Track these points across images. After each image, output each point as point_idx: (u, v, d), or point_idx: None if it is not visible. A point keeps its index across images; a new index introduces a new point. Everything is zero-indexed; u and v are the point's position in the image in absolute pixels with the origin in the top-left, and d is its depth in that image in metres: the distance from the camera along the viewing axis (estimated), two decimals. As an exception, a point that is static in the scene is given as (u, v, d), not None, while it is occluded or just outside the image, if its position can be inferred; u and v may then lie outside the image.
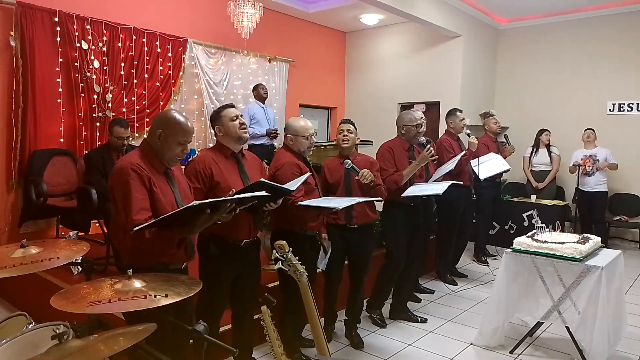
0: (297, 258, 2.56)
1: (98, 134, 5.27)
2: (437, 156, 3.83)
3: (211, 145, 6.29)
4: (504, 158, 5.48)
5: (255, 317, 2.91)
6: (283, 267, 2.54)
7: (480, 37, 7.54)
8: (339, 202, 2.95)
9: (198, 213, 1.99)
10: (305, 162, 3.10)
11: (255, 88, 6.33)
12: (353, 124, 3.43)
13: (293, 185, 2.67)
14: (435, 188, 3.65)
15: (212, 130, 2.75)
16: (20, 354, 1.75)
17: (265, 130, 5.98)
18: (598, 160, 6.21)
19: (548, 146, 6.50)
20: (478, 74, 7.61)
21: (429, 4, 6.46)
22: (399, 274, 3.96)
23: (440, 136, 5.28)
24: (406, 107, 7.88)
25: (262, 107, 6.23)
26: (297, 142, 3.05)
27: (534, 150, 6.58)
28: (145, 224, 1.93)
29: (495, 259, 5.77)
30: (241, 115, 2.72)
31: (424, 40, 7.68)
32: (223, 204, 2.06)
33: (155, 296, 1.59)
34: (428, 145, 3.63)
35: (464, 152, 4.76)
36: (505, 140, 6.01)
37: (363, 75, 8.52)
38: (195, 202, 1.91)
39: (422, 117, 4.31)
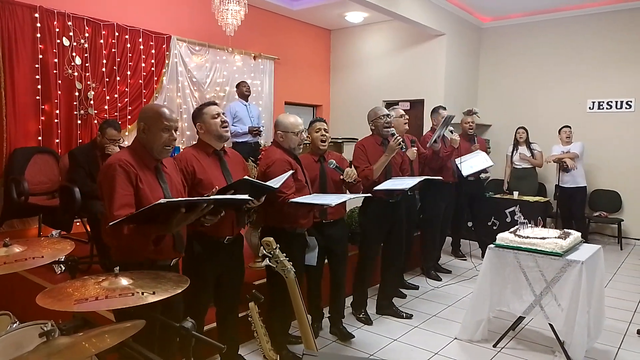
0: (285, 255, 2.57)
1: (79, 132, 5.20)
2: (404, 145, 3.82)
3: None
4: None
5: (242, 314, 2.92)
6: (270, 263, 2.54)
7: (463, 35, 7.62)
8: (331, 199, 2.96)
9: (174, 212, 1.99)
10: (295, 158, 3.11)
11: (237, 86, 6.33)
12: (326, 122, 3.46)
13: (276, 182, 2.67)
14: (407, 182, 3.64)
15: (195, 128, 2.74)
16: (5, 353, 1.73)
17: (247, 128, 5.97)
18: (578, 156, 6.33)
19: (529, 143, 6.60)
20: (461, 72, 7.68)
21: (413, 3, 6.50)
22: (385, 270, 4.00)
23: (424, 133, 5.32)
24: (391, 104, 7.92)
25: (245, 105, 6.21)
26: (287, 139, 3.06)
27: (515, 148, 6.67)
28: (118, 220, 1.93)
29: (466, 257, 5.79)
30: (223, 113, 2.72)
31: (408, 38, 7.72)
32: (199, 204, 2.05)
33: (142, 293, 1.58)
34: (397, 136, 3.64)
35: (449, 125, 4.79)
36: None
37: (348, 73, 8.54)
38: (163, 200, 1.92)
39: (403, 115, 4.36)
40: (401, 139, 3.62)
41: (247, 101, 6.27)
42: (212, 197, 2.18)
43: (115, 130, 4.02)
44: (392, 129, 3.81)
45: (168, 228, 2.05)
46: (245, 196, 2.33)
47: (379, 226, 3.79)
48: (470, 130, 5.62)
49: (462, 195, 5.49)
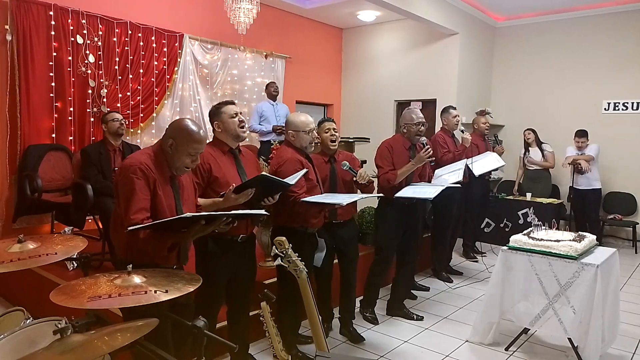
0: (297, 254, 2.56)
1: (92, 129, 5.23)
2: (434, 157, 3.83)
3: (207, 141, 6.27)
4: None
5: (253, 313, 2.92)
6: (282, 263, 2.53)
7: (476, 34, 7.55)
8: (343, 199, 2.95)
9: (193, 222, 2.02)
10: (307, 158, 3.10)
11: (266, 87, 6.48)
12: (334, 122, 3.44)
13: (292, 179, 2.68)
14: (428, 191, 3.61)
15: (211, 126, 2.74)
16: (19, 349, 1.74)
17: (272, 126, 6.04)
18: (593, 158, 6.24)
19: (540, 144, 6.53)
20: (474, 72, 7.62)
21: (426, 1, 6.45)
22: (398, 272, 3.98)
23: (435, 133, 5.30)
24: (402, 104, 7.90)
25: (272, 105, 6.33)
26: (298, 138, 3.05)
27: (526, 150, 6.61)
28: (140, 226, 1.95)
29: (484, 255, 5.79)
30: (240, 113, 2.73)
31: (420, 37, 7.68)
32: (219, 217, 2.09)
33: (155, 292, 1.58)
34: (427, 147, 3.61)
35: (465, 160, 4.77)
36: (494, 139, 6.02)
37: (359, 72, 8.51)
38: (189, 214, 1.94)
39: (422, 117, 4.32)
40: (431, 151, 3.59)
41: (274, 101, 6.39)
42: (231, 212, 2.20)
43: (115, 112, 4.22)
44: (424, 138, 3.77)
45: (185, 237, 2.09)
46: (262, 211, 2.35)
47: (395, 228, 3.77)
48: (487, 131, 5.61)
49: (472, 195, 5.47)
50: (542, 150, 6.51)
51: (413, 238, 3.89)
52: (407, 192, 3.60)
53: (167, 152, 2.18)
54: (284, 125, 6.10)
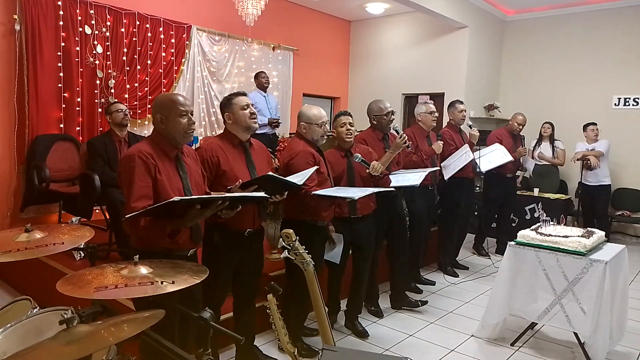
0: (304, 247, 2.55)
1: (100, 120, 5.24)
2: (411, 142, 3.81)
3: (212, 133, 6.24)
4: (517, 158, 5.48)
5: (259, 304, 2.92)
6: (289, 255, 2.53)
7: (486, 28, 7.48)
8: (355, 192, 2.93)
9: (189, 207, 2.01)
10: (318, 150, 3.08)
11: (256, 76, 6.28)
12: (351, 116, 3.40)
13: (300, 179, 2.66)
14: (413, 178, 3.60)
15: (222, 117, 2.74)
16: (25, 338, 1.75)
17: (267, 119, 5.93)
18: (603, 154, 6.18)
19: (552, 140, 6.46)
20: (483, 66, 7.55)
21: (436, -6, 6.40)
22: (393, 264, 3.97)
23: (442, 127, 5.26)
24: (410, 97, 7.86)
25: (264, 96, 6.16)
26: (310, 130, 3.04)
27: (538, 144, 6.54)
28: (135, 213, 1.95)
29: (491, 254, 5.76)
30: (252, 105, 2.71)
31: (429, 30, 7.61)
32: (213, 201, 2.07)
33: (161, 282, 1.58)
34: (401, 132, 3.57)
35: (467, 144, 4.75)
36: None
37: (367, 65, 8.46)
38: (177, 198, 1.92)
39: (433, 112, 4.36)
40: (406, 137, 3.54)
41: (265, 92, 6.23)
42: (227, 195, 2.18)
43: (118, 103, 4.20)
44: (397, 124, 3.76)
45: (183, 222, 2.07)
46: (262, 194, 2.33)
47: (378, 220, 3.73)
48: (516, 132, 5.63)
49: (495, 192, 5.50)
50: (554, 146, 6.44)
51: (400, 229, 3.86)
52: (392, 182, 3.57)
53: (162, 129, 2.20)
54: (278, 117, 6.05)
